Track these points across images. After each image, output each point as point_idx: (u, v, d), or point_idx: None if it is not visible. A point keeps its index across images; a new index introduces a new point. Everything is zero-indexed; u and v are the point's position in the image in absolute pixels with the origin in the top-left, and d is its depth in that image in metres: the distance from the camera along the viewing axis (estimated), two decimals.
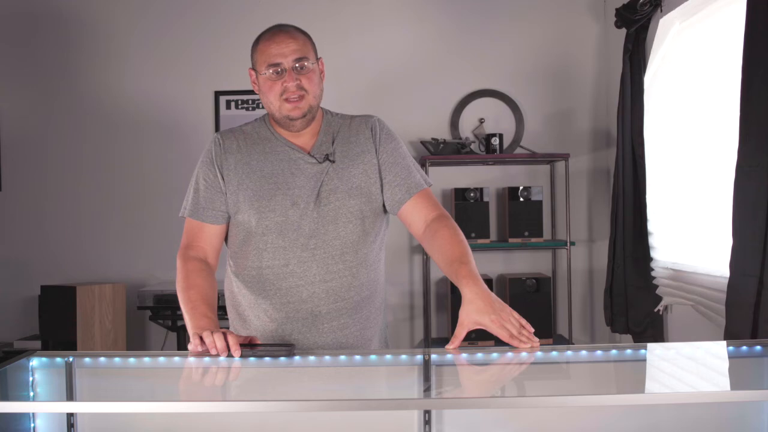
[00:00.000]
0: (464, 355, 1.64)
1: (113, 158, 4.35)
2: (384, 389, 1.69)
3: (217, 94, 4.33)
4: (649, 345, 1.89)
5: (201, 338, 1.65)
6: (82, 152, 4.35)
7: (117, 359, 1.66)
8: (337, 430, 1.57)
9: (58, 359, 1.62)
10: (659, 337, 3.57)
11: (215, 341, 1.62)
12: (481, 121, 4.33)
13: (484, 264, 4.28)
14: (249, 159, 1.95)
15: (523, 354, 1.62)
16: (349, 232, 1.93)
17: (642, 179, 3.58)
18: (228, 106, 4.33)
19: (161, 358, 1.66)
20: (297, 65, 1.87)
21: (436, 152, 4.15)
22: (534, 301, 4.01)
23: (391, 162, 1.97)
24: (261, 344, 1.68)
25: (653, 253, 3.59)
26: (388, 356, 1.66)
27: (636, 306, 3.63)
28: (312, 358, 1.65)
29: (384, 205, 1.99)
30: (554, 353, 1.69)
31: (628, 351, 1.77)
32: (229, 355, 1.61)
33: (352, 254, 1.93)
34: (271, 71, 1.88)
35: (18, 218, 4.33)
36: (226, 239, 2.01)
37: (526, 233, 4.10)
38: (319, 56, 1.96)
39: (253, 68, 1.94)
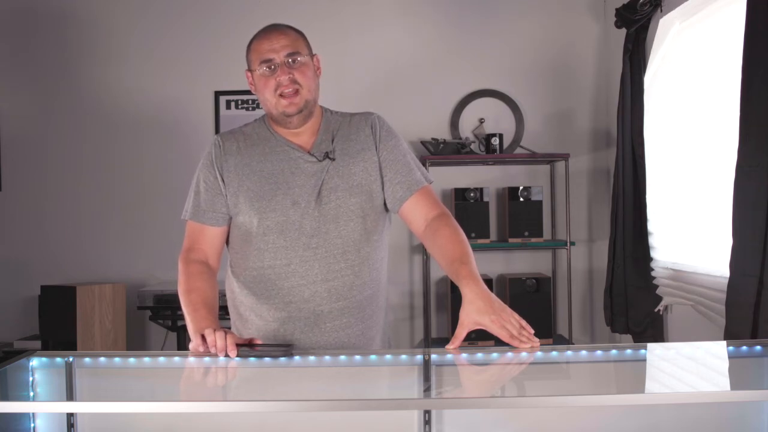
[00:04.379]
0: (464, 355, 1.64)
1: (113, 158, 4.35)
2: (384, 389, 1.69)
3: (217, 94, 4.33)
4: (649, 345, 1.89)
5: (203, 338, 1.66)
6: (82, 152, 4.35)
7: (117, 359, 1.66)
8: (337, 430, 1.57)
9: (58, 359, 1.62)
10: (659, 337, 3.57)
11: (216, 340, 1.62)
12: (481, 121, 4.33)
13: (484, 264, 4.28)
14: (249, 160, 1.95)
15: (523, 354, 1.62)
16: (350, 230, 1.92)
17: (642, 179, 3.58)
18: (228, 106, 4.33)
19: (161, 358, 1.66)
20: (289, 59, 1.88)
21: (436, 152, 4.15)
22: (534, 301, 4.01)
23: (392, 159, 1.97)
24: (260, 344, 1.69)
25: (653, 253, 3.59)
26: (388, 356, 1.66)
27: (636, 306, 3.63)
28: (312, 358, 1.65)
29: (385, 203, 1.99)
30: (554, 353, 1.68)
31: (628, 351, 1.77)
32: (227, 355, 1.61)
33: (354, 253, 1.93)
34: (264, 67, 1.88)
35: (18, 218, 4.33)
36: (227, 241, 2.02)
37: (526, 233, 4.10)
38: (315, 53, 1.96)
39: (249, 68, 1.95)
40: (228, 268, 2.04)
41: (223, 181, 1.95)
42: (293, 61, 1.89)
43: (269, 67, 1.88)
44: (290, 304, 1.91)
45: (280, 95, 1.89)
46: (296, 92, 1.89)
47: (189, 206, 1.98)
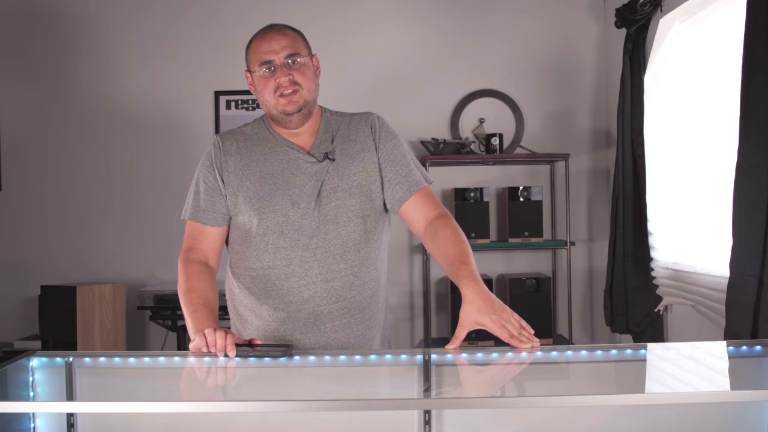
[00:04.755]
0: (464, 355, 1.64)
1: (113, 158, 4.35)
2: (384, 389, 1.69)
3: (217, 94, 4.33)
4: (649, 345, 1.89)
5: (205, 338, 1.66)
6: (82, 152, 4.35)
7: (117, 359, 1.66)
8: (337, 430, 1.57)
9: (58, 359, 1.62)
10: (659, 337, 3.57)
11: (216, 339, 1.63)
12: (481, 121, 4.33)
13: (484, 264, 4.28)
14: (249, 160, 1.95)
15: (523, 354, 1.62)
16: (350, 231, 1.92)
17: (642, 179, 3.58)
18: (228, 106, 4.33)
19: (161, 358, 1.66)
20: (288, 60, 1.88)
21: (436, 152, 4.15)
22: (534, 301, 4.01)
23: (391, 160, 1.97)
24: (260, 344, 1.69)
25: (653, 253, 3.59)
26: (388, 356, 1.66)
27: (636, 306, 3.63)
28: (312, 358, 1.65)
29: (385, 204, 1.99)
30: (554, 353, 1.68)
31: (628, 351, 1.77)
32: (227, 355, 1.61)
33: (354, 253, 1.93)
34: (264, 69, 1.88)
35: (18, 218, 4.33)
36: (227, 241, 2.02)
37: (526, 233, 4.10)
38: (314, 53, 1.96)
39: (248, 69, 1.95)
40: (228, 268, 2.04)
41: (222, 181, 1.95)
42: (293, 62, 1.89)
43: (269, 69, 1.88)
44: (290, 305, 1.91)
45: (280, 95, 1.89)
46: (295, 92, 1.89)
47: (188, 206, 1.98)
